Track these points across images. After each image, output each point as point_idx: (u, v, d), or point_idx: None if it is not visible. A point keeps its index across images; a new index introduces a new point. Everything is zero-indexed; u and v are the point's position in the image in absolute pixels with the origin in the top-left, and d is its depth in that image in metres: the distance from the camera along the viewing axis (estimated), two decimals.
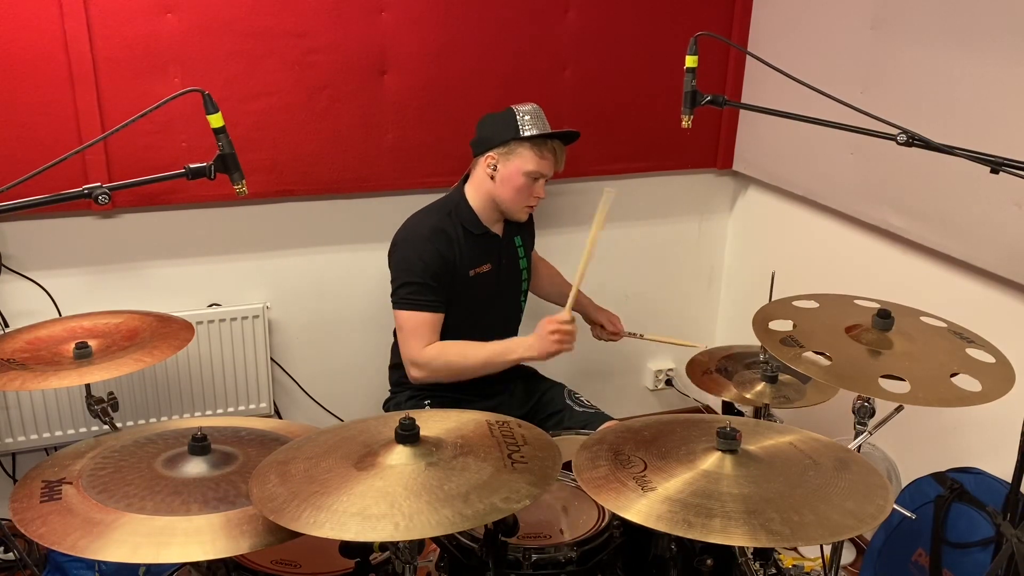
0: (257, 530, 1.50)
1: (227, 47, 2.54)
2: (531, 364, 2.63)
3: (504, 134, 2.36)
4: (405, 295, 2.34)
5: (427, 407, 2.40)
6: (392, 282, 2.40)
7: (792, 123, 1.96)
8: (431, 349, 2.34)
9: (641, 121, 3.07)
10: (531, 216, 2.56)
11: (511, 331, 2.60)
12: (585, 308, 2.75)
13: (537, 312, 2.87)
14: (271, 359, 2.88)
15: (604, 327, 2.73)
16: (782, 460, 1.59)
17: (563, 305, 2.56)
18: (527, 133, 2.34)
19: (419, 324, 2.34)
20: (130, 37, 2.45)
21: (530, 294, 2.70)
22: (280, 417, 2.96)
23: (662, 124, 3.07)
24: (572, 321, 2.30)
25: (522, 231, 2.58)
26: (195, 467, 1.69)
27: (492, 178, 2.39)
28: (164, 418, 2.76)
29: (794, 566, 1.92)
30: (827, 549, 2.15)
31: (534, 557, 1.71)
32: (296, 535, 1.43)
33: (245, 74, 2.58)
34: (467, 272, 2.41)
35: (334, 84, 2.67)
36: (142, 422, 2.73)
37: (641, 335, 2.71)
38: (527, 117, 2.35)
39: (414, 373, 2.37)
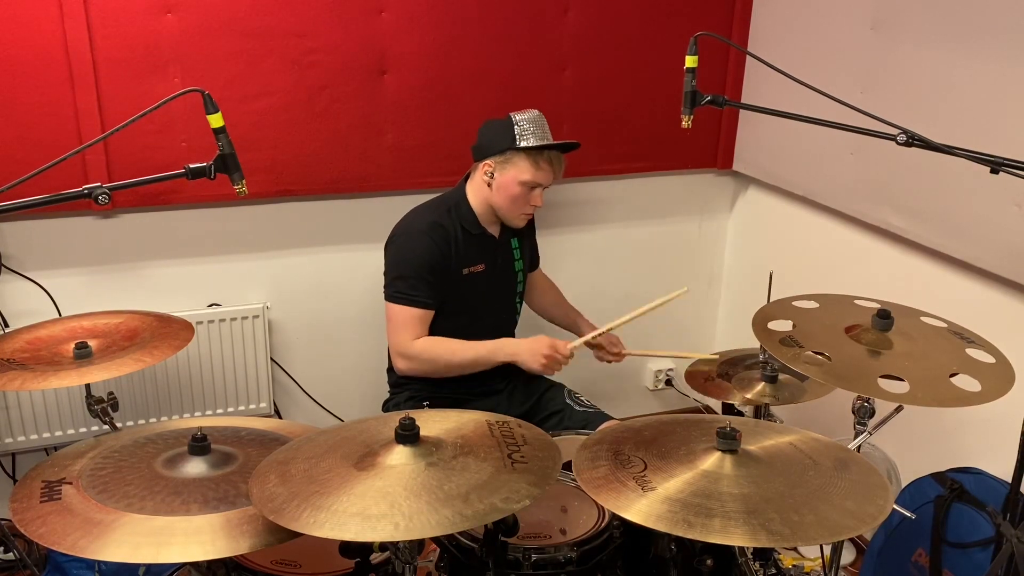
0: (257, 530, 1.50)
1: (227, 47, 2.54)
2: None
3: (501, 143, 2.36)
4: (398, 289, 2.35)
5: (426, 407, 2.40)
6: (386, 274, 2.41)
7: (792, 123, 1.96)
8: (421, 342, 2.35)
9: (641, 121, 3.07)
10: (532, 218, 2.56)
11: (506, 334, 2.60)
12: (582, 331, 2.67)
13: (537, 325, 2.89)
14: (271, 359, 2.88)
15: (604, 347, 2.60)
16: (782, 460, 1.59)
17: (562, 326, 2.67)
18: (524, 143, 2.34)
19: (409, 318, 2.35)
20: (130, 37, 2.45)
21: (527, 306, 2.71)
22: (280, 417, 2.96)
23: (662, 124, 3.06)
24: (571, 356, 2.33)
25: (520, 233, 2.58)
26: (195, 467, 1.69)
27: (489, 185, 2.39)
28: (164, 418, 2.76)
29: (794, 566, 1.92)
30: (827, 549, 2.15)
31: (534, 557, 1.71)
32: (296, 535, 1.43)
33: (245, 74, 2.58)
34: (461, 270, 2.41)
35: (334, 84, 2.67)
36: (142, 422, 2.73)
37: (645, 353, 2.68)
38: (526, 126, 2.35)
39: (401, 364, 2.39)
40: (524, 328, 2.69)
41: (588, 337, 2.44)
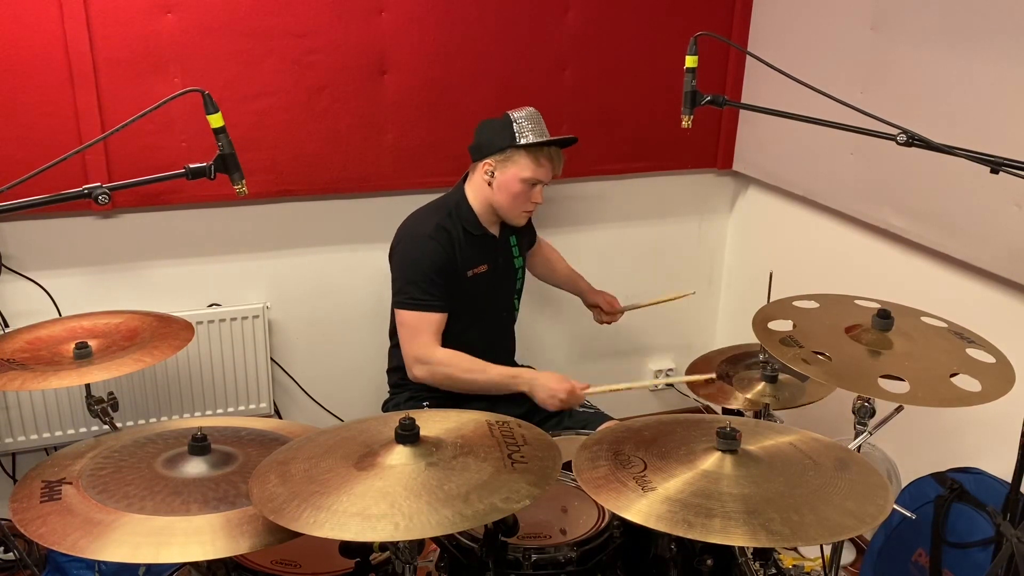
0: (257, 530, 1.50)
1: (227, 47, 2.54)
2: (530, 367, 2.64)
3: (500, 141, 2.35)
4: (409, 294, 2.34)
5: (426, 407, 2.40)
6: (394, 281, 2.40)
7: (792, 123, 1.96)
8: (444, 352, 2.34)
9: (641, 121, 3.07)
10: (529, 218, 2.56)
11: (506, 331, 2.61)
12: (583, 292, 2.83)
13: (537, 300, 2.88)
14: (271, 359, 2.88)
15: (602, 308, 2.78)
16: (782, 460, 1.59)
17: (567, 291, 2.77)
18: (523, 141, 2.34)
19: (423, 323, 2.34)
20: (130, 37, 2.45)
21: (524, 296, 2.71)
22: (280, 417, 2.96)
23: (662, 124, 3.06)
24: (584, 401, 2.37)
25: (518, 231, 2.58)
26: (195, 467, 1.69)
27: (490, 184, 2.39)
28: (164, 418, 2.76)
29: (794, 566, 1.92)
30: (827, 549, 2.15)
31: (534, 557, 1.71)
32: (296, 535, 1.43)
33: (245, 74, 2.58)
34: (466, 272, 2.41)
35: (334, 84, 2.67)
36: (142, 422, 2.73)
37: (637, 305, 2.81)
38: (524, 123, 2.35)
39: (418, 372, 2.36)
40: (524, 322, 2.69)
41: (605, 388, 2.36)
